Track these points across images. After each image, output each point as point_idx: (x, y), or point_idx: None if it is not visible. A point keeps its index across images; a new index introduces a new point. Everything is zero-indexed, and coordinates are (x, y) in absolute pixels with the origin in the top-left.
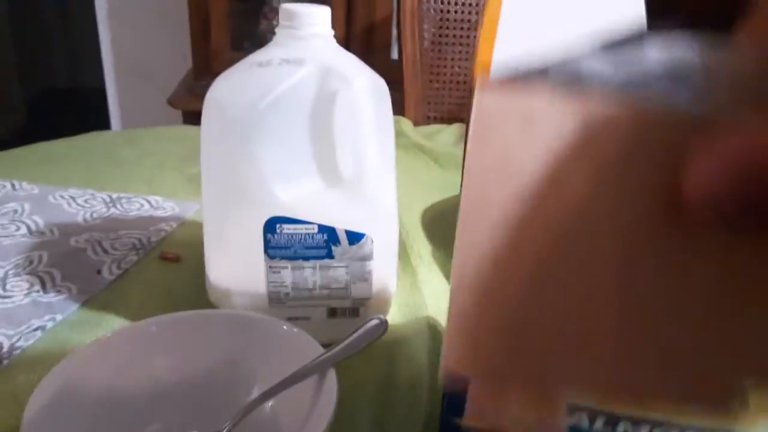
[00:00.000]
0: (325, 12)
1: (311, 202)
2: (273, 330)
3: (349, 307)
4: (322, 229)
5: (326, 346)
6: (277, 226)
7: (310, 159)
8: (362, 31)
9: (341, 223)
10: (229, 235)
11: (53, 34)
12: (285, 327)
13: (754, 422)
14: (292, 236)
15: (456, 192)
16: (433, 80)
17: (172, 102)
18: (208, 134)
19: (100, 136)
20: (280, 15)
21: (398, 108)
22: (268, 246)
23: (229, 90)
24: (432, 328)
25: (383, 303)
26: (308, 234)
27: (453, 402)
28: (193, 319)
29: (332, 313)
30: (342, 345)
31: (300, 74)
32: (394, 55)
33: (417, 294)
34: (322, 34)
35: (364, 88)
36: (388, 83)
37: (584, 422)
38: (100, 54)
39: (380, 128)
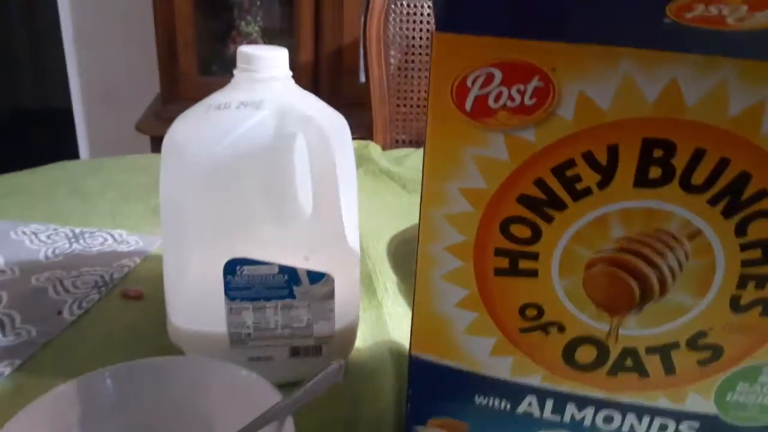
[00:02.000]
0: (282, 55)
1: (271, 243)
2: (231, 376)
3: (312, 346)
4: (283, 269)
5: (290, 385)
6: (238, 267)
7: (271, 200)
8: (330, 55)
9: (302, 263)
10: (189, 277)
11: (21, 55)
12: (243, 373)
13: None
14: (252, 277)
15: None
16: (400, 104)
17: (139, 127)
18: (167, 176)
19: (63, 166)
20: (238, 58)
21: (367, 130)
22: (228, 288)
23: (188, 132)
24: (397, 362)
25: (346, 340)
26: (269, 275)
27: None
28: (147, 368)
29: (295, 352)
30: (299, 392)
31: (258, 117)
32: (363, 77)
33: (382, 328)
34: (279, 77)
35: (322, 128)
36: (357, 105)
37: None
38: (67, 77)
39: (340, 166)
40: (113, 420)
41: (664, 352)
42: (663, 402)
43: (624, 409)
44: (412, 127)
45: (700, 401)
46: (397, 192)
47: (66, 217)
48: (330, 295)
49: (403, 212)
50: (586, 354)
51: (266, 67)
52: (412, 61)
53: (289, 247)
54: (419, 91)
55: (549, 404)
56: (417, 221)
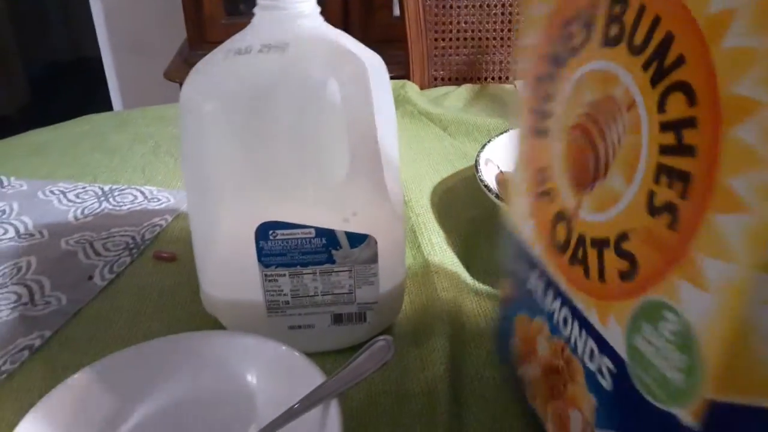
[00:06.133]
0: None
1: (306, 204)
2: (271, 353)
3: (355, 312)
4: (320, 232)
5: (333, 353)
6: (270, 232)
7: (303, 156)
8: None
9: (341, 225)
10: (219, 243)
11: (50, 8)
12: (284, 349)
13: None
14: (287, 242)
15: (467, 163)
16: (438, 38)
17: (168, 75)
18: (186, 135)
19: (89, 120)
20: None
21: (403, 68)
22: (261, 254)
23: (206, 85)
24: (448, 326)
25: (393, 305)
26: (305, 239)
27: None
28: (183, 344)
29: (337, 319)
30: (344, 372)
31: (284, 61)
32: (397, 11)
33: (430, 288)
34: (306, 13)
35: (357, 72)
36: (391, 42)
37: None
38: (94, 28)
39: (380, 115)
40: (149, 398)
41: (600, 248)
42: (594, 317)
43: (575, 314)
44: (451, 63)
45: (617, 333)
46: (438, 135)
47: (94, 174)
48: (373, 258)
49: (445, 157)
50: (560, 232)
51: (291, 3)
52: None
53: (327, 208)
54: (458, 23)
55: (541, 285)
56: (459, 167)
